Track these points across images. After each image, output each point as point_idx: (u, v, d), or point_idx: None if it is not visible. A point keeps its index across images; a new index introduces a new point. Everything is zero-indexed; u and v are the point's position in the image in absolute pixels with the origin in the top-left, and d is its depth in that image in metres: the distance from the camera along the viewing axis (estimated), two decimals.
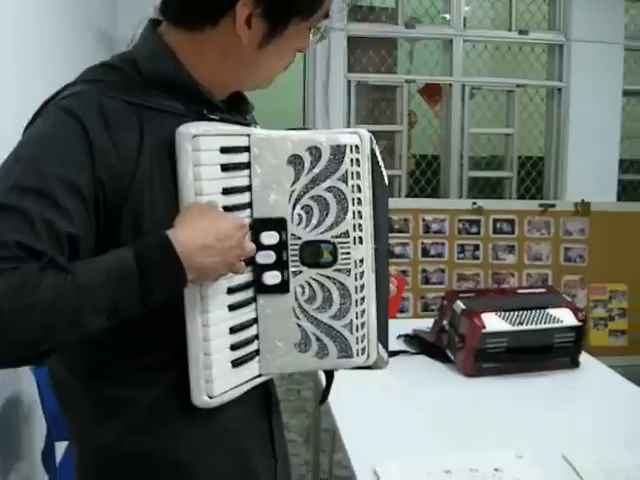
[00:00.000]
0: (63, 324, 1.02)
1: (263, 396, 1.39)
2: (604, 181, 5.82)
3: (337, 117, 5.44)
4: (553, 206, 5.64)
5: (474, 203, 5.51)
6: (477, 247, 5.53)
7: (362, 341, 1.30)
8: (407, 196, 5.78)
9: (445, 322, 2.61)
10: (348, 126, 5.42)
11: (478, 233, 5.53)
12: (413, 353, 2.68)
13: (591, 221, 5.63)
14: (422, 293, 5.40)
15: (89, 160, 1.11)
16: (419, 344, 2.72)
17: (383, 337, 1.39)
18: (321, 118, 5.41)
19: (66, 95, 1.18)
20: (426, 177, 6.14)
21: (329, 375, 1.48)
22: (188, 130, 1.17)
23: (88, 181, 1.10)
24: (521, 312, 2.51)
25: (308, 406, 3.76)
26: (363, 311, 1.30)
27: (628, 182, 6.23)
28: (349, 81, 5.48)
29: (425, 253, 5.42)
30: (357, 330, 1.29)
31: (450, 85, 5.68)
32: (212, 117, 1.24)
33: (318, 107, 5.42)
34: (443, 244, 5.47)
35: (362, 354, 1.30)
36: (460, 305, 2.54)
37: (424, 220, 5.41)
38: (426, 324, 2.82)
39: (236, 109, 1.34)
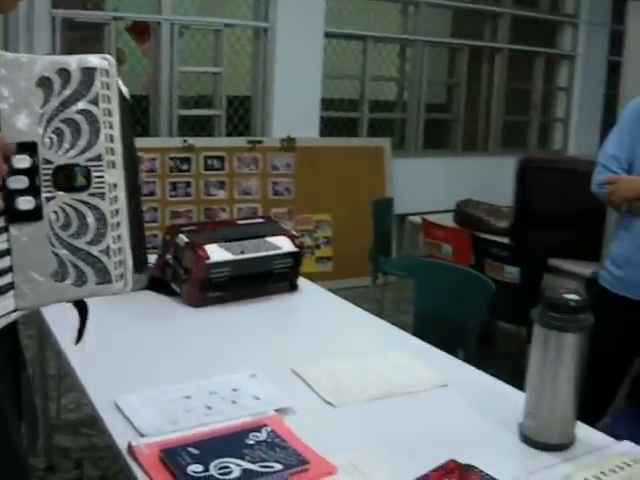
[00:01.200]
0: None
1: (11, 344, 1.34)
2: (308, 118, 6.12)
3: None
4: (260, 142, 5.85)
5: (185, 141, 5.55)
6: (189, 184, 5.59)
7: (120, 266, 1.29)
8: None
9: (169, 256, 2.62)
10: None
11: (189, 170, 5.59)
12: (137, 289, 2.67)
13: (296, 156, 5.93)
14: None
15: None
16: None
17: (143, 261, 1.39)
18: None
19: None
20: (135, 116, 6.03)
21: (82, 313, 1.45)
22: None
23: None
24: (242, 242, 2.61)
25: (28, 354, 3.63)
26: (119, 236, 1.28)
27: (329, 119, 6.60)
28: (54, 17, 5.17)
29: None
30: (114, 255, 1.27)
31: (159, 23, 5.60)
32: None
33: (21, 45, 5.07)
34: (155, 182, 5.46)
35: (120, 279, 1.29)
36: (183, 238, 2.57)
37: None
38: None
39: None
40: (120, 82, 1.32)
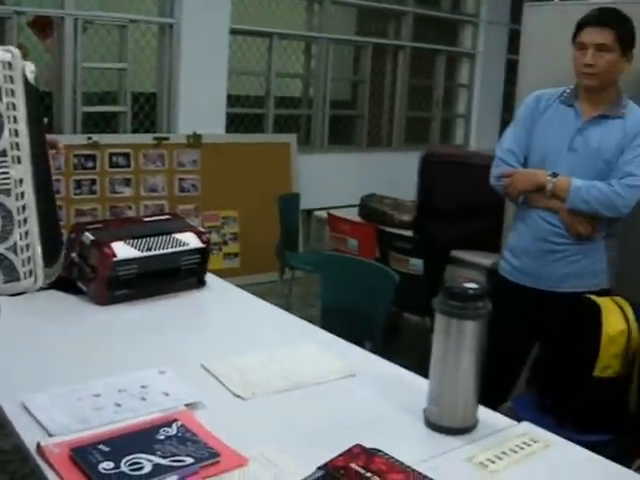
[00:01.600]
0: None
1: None
2: (214, 114, 6.10)
3: None
4: (167, 139, 5.80)
5: (89, 138, 5.46)
6: (94, 182, 5.51)
7: (28, 263, 1.27)
8: None
9: (74, 254, 2.59)
10: None
11: (94, 168, 5.50)
12: (43, 288, 2.61)
13: (203, 152, 5.91)
14: None
15: None
16: None
17: (56, 254, 1.38)
18: None
19: None
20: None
21: None
22: None
23: None
24: (149, 239, 2.59)
25: None
26: (27, 232, 1.26)
27: (235, 115, 6.59)
28: None
29: None
30: (22, 252, 1.25)
31: (62, 18, 5.46)
32: None
33: None
34: (59, 180, 5.35)
35: (29, 276, 1.28)
36: (89, 236, 2.54)
37: None
38: None
39: None
40: (29, 70, 1.30)
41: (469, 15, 8.30)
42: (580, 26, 2.74)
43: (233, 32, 6.28)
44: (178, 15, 5.86)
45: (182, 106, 5.95)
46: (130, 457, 1.46)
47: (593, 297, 2.69)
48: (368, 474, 1.38)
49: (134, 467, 1.43)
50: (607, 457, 1.65)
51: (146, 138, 5.78)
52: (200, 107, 5.94)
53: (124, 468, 1.42)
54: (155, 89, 6.14)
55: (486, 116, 8.35)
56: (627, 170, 2.67)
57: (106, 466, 1.43)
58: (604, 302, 2.66)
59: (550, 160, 2.80)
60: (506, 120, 3.05)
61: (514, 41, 7.03)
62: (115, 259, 2.47)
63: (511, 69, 7.47)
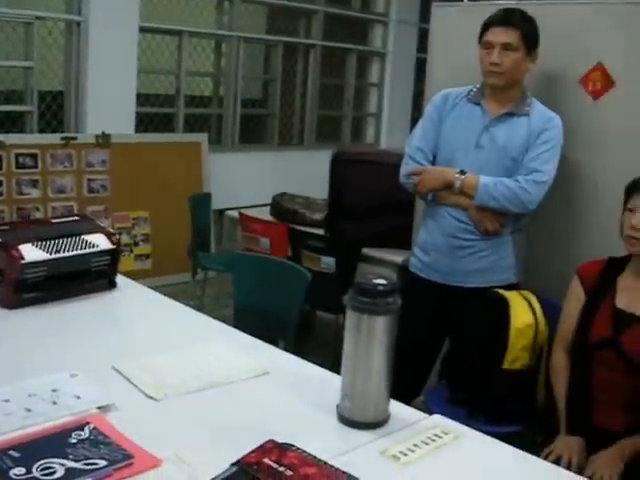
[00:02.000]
0: None
1: None
2: (123, 114, 6.02)
3: None
4: (75, 139, 5.70)
5: None
6: (0, 183, 5.37)
7: None
8: None
9: None
10: None
11: (0, 169, 5.36)
12: None
13: (112, 152, 5.82)
14: None
15: None
16: None
17: None
18: None
19: None
20: None
21: None
22: None
23: None
24: (57, 240, 2.55)
25: None
26: None
27: (145, 114, 6.52)
28: None
29: None
30: None
31: None
32: None
33: None
34: None
35: None
36: None
37: None
38: None
39: None
40: None
41: (379, 14, 8.41)
42: (486, 26, 2.81)
43: (142, 30, 6.21)
44: (86, 12, 5.76)
45: (90, 105, 5.85)
46: (42, 462, 1.44)
47: (501, 291, 2.77)
48: (281, 468, 1.40)
49: (46, 472, 1.41)
50: (516, 447, 1.71)
51: (53, 138, 5.67)
52: (109, 106, 5.85)
53: (36, 473, 1.40)
54: (62, 88, 6.02)
55: (396, 115, 8.49)
56: (532, 167, 2.76)
57: (17, 472, 1.40)
58: (512, 296, 2.74)
59: (458, 158, 2.87)
60: (416, 118, 3.11)
61: (423, 40, 7.16)
62: (23, 262, 2.42)
63: (420, 68, 7.61)
